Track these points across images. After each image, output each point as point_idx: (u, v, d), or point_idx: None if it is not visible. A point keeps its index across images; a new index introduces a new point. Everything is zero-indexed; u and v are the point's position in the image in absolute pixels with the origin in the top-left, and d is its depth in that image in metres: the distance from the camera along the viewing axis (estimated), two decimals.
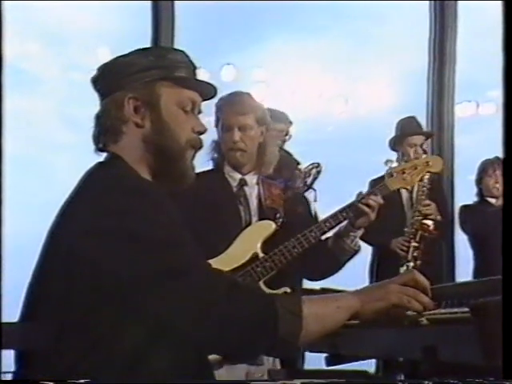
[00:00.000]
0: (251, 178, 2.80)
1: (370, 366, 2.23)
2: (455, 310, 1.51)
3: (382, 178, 4.50)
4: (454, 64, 5.09)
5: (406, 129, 4.47)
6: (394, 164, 2.93)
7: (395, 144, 4.50)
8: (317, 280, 2.89)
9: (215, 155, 2.83)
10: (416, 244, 4.06)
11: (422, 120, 5.02)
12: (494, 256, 3.97)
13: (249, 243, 2.66)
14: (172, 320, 1.41)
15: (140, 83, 1.58)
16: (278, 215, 2.74)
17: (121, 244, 1.41)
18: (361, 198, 2.72)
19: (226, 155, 2.79)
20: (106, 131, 1.61)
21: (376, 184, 4.47)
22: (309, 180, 3.98)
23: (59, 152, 4.97)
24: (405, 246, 4.10)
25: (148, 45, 4.60)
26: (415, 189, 4.31)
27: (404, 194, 4.37)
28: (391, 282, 1.55)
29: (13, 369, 1.53)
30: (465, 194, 4.60)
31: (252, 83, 5.32)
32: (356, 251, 2.75)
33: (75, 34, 5.23)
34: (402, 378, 2.04)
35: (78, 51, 5.21)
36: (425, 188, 4.14)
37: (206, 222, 2.62)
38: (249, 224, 2.73)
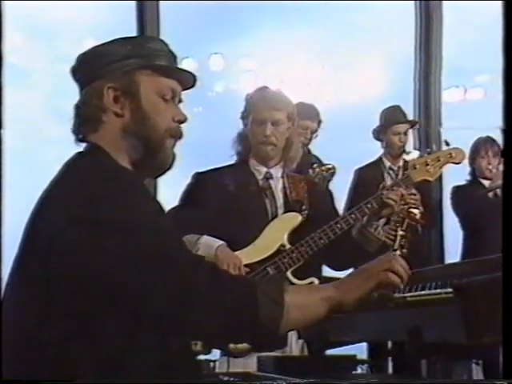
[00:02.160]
0: (276, 172, 2.86)
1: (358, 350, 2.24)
2: (439, 290, 1.51)
3: (367, 166, 4.56)
4: (441, 50, 5.10)
5: (391, 118, 4.50)
6: (414, 156, 2.96)
7: (379, 133, 4.53)
8: (343, 270, 2.92)
9: (240, 148, 2.87)
10: (403, 233, 4.07)
11: (410, 106, 5.04)
12: (485, 238, 3.99)
13: (276, 235, 2.73)
14: (153, 306, 1.42)
15: (119, 72, 1.57)
16: (303, 207, 2.80)
17: (101, 231, 1.41)
18: (385, 190, 2.78)
19: (255, 148, 2.84)
20: (85, 121, 1.59)
21: (361, 173, 4.53)
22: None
23: (48, 145, 4.96)
24: (391, 235, 4.11)
25: (135, 35, 4.60)
26: (399, 177, 4.34)
27: (388, 182, 4.40)
28: (369, 265, 1.56)
29: None
30: (452, 178, 4.59)
31: (240, 72, 5.31)
32: (380, 240, 2.79)
33: (62, 26, 5.21)
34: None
35: (65, 43, 5.19)
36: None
37: (233, 214, 2.72)
38: (275, 216, 2.79)
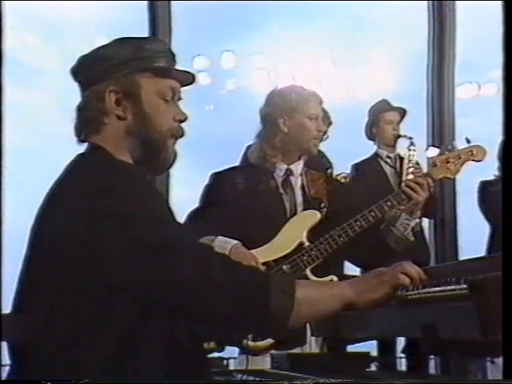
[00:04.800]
0: (296, 168, 2.86)
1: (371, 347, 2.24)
2: (453, 287, 1.50)
3: (364, 160, 4.58)
4: (454, 45, 5.08)
5: (380, 109, 4.57)
6: (433, 154, 2.96)
7: (372, 126, 4.57)
8: (368, 268, 2.91)
9: (264, 145, 2.86)
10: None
11: (423, 103, 5.03)
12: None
13: (294, 233, 2.73)
14: (164, 295, 1.43)
15: (120, 75, 1.60)
16: (322, 205, 2.79)
17: (109, 223, 1.42)
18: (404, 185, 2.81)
19: (303, 144, 2.84)
20: (87, 123, 1.62)
21: (359, 167, 4.55)
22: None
23: (59, 144, 4.97)
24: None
25: (146, 34, 4.61)
26: (398, 166, 4.37)
27: (388, 170, 4.43)
28: (384, 270, 1.59)
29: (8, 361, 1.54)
30: (466, 174, 4.55)
31: (252, 70, 5.31)
32: (408, 240, 2.78)
33: (74, 25, 5.23)
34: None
35: (77, 42, 5.20)
36: (412, 168, 4.15)
37: (252, 213, 2.74)
38: (294, 214, 2.79)
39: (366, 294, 1.53)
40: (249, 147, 3.06)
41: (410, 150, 4.40)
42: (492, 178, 4.52)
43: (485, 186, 4.51)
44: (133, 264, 1.41)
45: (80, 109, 1.63)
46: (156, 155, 1.62)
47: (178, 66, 1.71)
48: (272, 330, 1.49)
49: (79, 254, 1.42)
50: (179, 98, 1.68)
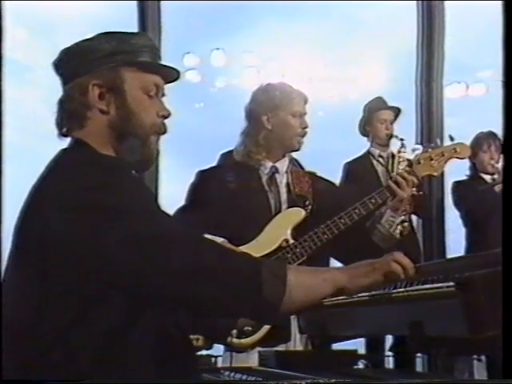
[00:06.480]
0: (282, 166, 2.86)
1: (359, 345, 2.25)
2: (440, 284, 1.51)
3: (356, 159, 4.59)
4: (443, 46, 5.10)
5: (374, 107, 4.56)
6: (419, 151, 2.95)
7: (366, 124, 4.57)
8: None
9: (248, 142, 2.87)
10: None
11: (412, 102, 5.05)
12: (489, 232, 3.96)
13: (279, 230, 2.74)
14: (159, 285, 1.43)
15: (104, 69, 1.58)
16: (306, 202, 2.80)
17: (99, 217, 1.42)
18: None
19: (286, 141, 2.85)
20: (70, 116, 1.60)
21: (351, 166, 4.56)
22: None
23: (49, 141, 4.96)
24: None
25: (136, 30, 4.60)
26: (390, 165, 4.38)
27: (379, 170, 4.44)
28: (375, 260, 1.58)
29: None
30: (454, 174, 4.58)
31: (242, 68, 5.31)
32: (393, 237, 2.79)
33: (64, 23, 5.21)
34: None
35: (67, 40, 5.18)
36: (402, 162, 4.16)
37: (237, 210, 2.74)
38: (279, 212, 2.79)
39: (358, 280, 1.53)
40: (223, 154, 3.05)
41: (400, 151, 4.42)
42: (464, 177, 4.56)
43: (459, 186, 4.53)
44: (126, 256, 1.41)
45: (62, 102, 1.61)
46: (139, 151, 1.60)
47: (167, 63, 1.71)
48: (265, 315, 1.50)
49: (70, 249, 1.41)
50: (163, 95, 1.66)
